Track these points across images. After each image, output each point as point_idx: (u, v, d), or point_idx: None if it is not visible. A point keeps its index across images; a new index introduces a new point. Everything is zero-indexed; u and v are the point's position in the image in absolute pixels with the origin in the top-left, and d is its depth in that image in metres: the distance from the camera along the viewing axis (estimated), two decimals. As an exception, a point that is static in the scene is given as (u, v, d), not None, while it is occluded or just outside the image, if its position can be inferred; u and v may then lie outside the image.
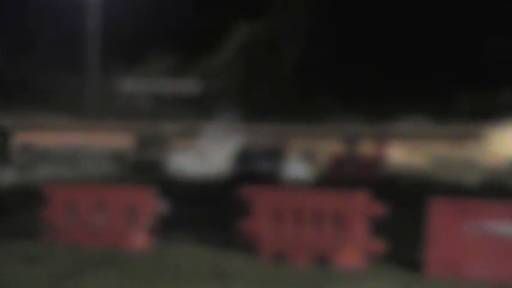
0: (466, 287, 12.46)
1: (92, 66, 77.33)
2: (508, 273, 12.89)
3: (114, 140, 46.53)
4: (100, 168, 37.02)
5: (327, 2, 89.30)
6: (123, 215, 16.48)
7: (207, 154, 37.11)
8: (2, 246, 16.53)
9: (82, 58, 77.92)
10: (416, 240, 14.11)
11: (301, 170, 36.14)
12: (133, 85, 57.20)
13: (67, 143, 44.88)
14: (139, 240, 16.14)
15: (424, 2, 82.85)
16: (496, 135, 46.84)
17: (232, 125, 41.68)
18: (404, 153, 48.92)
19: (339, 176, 35.99)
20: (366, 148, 41.23)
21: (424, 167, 39.46)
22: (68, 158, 38.24)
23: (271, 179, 32.14)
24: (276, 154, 34.59)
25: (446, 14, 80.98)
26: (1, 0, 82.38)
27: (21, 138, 44.91)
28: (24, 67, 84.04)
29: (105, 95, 67.70)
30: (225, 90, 67.17)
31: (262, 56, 51.43)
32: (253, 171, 31.80)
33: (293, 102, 71.24)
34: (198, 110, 48.00)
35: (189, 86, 71.85)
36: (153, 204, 16.45)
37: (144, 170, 37.74)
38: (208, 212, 22.26)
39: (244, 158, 34.10)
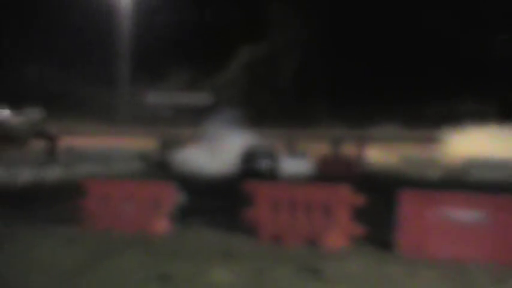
0: (429, 263, 12.42)
1: (123, 81, 77.44)
2: (464, 251, 12.90)
3: (140, 143, 46.58)
4: (129, 166, 37.11)
5: (317, 26, 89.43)
6: (148, 205, 16.49)
7: (217, 154, 37.06)
8: (49, 230, 16.54)
9: (114, 75, 77.98)
10: (389, 225, 14.10)
11: (299, 165, 36.18)
12: (156, 97, 57.34)
13: (102, 145, 44.96)
14: (162, 225, 16.15)
15: (397, 29, 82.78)
16: (454, 139, 46.81)
17: (237, 129, 41.52)
18: (379, 154, 48.95)
19: (326, 173, 35.98)
20: (348, 149, 41.20)
21: (395, 165, 39.52)
22: (103, 158, 38.24)
23: (270, 175, 32.18)
24: (273, 154, 34.55)
25: (414, 39, 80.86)
26: (50, 25, 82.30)
27: (65, 142, 44.94)
28: (68, 82, 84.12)
29: (133, 105, 67.76)
30: (231, 100, 67.09)
31: (263, 72, 51.62)
32: (255, 169, 31.89)
33: (288, 110, 71.84)
34: (209, 117, 47.89)
35: (201, 97, 72.16)
36: (173, 196, 16.48)
37: (164, 167, 37.78)
38: (218, 203, 22.28)
39: (248, 157, 34.17)
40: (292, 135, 52.61)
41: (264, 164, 32.53)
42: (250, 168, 32.60)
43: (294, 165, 36.78)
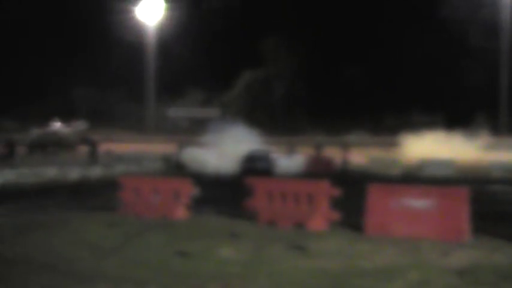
0: (390, 241, 12.44)
1: (150, 99, 77.53)
2: (417, 231, 12.94)
3: (163, 147, 46.43)
4: (154, 166, 37.09)
5: (302, 57, 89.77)
6: (170, 196, 16.50)
7: (223, 155, 36.94)
8: (93, 216, 16.57)
9: (143, 94, 78.12)
10: (359, 211, 14.13)
11: (293, 163, 36.21)
12: (176, 111, 57.23)
13: (133, 149, 44.96)
14: (181, 212, 16.15)
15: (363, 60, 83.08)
16: (410, 143, 46.81)
17: (240, 136, 41.39)
18: (352, 155, 48.86)
19: (311, 170, 35.99)
20: (328, 152, 41.15)
21: (364, 164, 39.42)
22: (134, 159, 38.22)
23: (265, 174, 32.05)
24: (269, 157, 34.63)
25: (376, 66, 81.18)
26: (93, 55, 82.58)
27: (104, 147, 45.01)
28: (106, 100, 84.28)
29: (158, 118, 67.80)
30: (235, 113, 67.18)
31: (260, 91, 51.67)
32: (253, 168, 32.05)
33: (279, 121, 72.42)
34: (218, 126, 47.65)
35: (212, 111, 72.28)
36: (189, 189, 16.49)
37: (181, 167, 37.75)
38: (224, 195, 22.29)
39: (248, 159, 34.24)
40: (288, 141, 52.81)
41: (260, 165, 32.60)
42: (249, 168, 32.65)
43: (288, 163, 37.00)
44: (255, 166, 32.64)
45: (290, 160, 39.00)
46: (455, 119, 61.47)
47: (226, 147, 37.54)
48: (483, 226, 13.95)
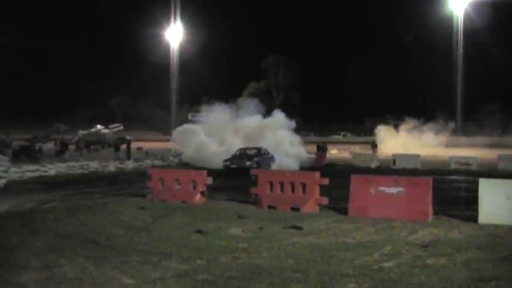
0: (369, 221, 12.44)
1: (173, 106, 77.75)
2: (391, 213, 12.91)
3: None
4: (176, 160, 36.95)
5: (297, 72, 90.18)
6: (189, 185, 16.50)
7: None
8: (127, 201, 16.59)
9: (168, 101, 78.32)
10: (344, 197, 14.11)
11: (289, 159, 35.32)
12: (194, 116, 56.91)
13: (160, 147, 44.88)
14: (198, 198, 16.15)
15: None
16: (385, 142, 46.74)
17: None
18: (339, 152, 48.91)
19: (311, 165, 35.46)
20: (319, 149, 40.92)
21: (348, 159, 39.33)
22: (160, 155, 38.13)
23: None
24: (259, 154, 31.98)
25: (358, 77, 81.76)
26: (126, 69, 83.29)
27: (136, 145, 45.05)
28: (138, 106, 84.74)
29: (179, 121, 67.71)
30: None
31: (262, 100, 51.86)
32: (243, 165, 29.16)
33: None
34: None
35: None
36: (204, 179, 16.50)
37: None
38: (232, 184, 22.25)
39: (238, 156, 31.65)
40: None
41: (249, 162, 30.16)
42: (238, 164, 29.96)
43: (287, 160, 35.28)
44: (244, 163, 29.78)
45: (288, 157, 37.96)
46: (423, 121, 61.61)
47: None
48: (443, 209, 14.00)
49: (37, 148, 33.24)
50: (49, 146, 39.49)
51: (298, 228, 11.69)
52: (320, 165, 33.70)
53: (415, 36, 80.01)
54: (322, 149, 40.86)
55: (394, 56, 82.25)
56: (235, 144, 35.20)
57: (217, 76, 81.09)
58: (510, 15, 69.79)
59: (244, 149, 33.04)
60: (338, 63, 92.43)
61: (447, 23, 70.73)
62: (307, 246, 9.97)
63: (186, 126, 43.24)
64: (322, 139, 54.10)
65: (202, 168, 22.65)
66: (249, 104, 42.37)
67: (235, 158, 31.50)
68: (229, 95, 41.44)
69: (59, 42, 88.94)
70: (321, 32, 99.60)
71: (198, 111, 45.26)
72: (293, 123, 40.28)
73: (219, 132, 38.55)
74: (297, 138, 39.36)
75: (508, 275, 8.10)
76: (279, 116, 40.51)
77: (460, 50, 69.22)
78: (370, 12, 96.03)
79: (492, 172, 29.16)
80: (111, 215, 13.59)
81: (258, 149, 32.99)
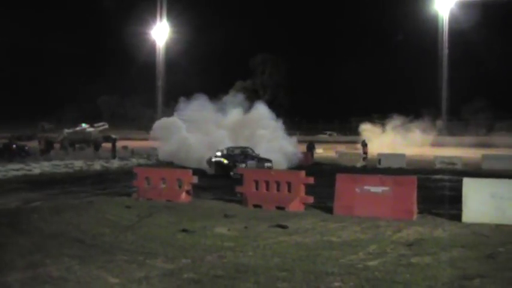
0: (354, 220, 12.49)
1: (159, 104, 77.60)
2: (376, 212, 12.97)
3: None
4: (161, 159, 36.79)
5: (283, 71, 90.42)
6: (175, 184, 16.50)
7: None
8: (113, 200, 16.55)
9: (155, 99, 78.19)
10: (330, 196, 14.15)
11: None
12: (179, 115, 56.61)
13: (145, 146, 44.67)
14: (184, 197, 16.14)
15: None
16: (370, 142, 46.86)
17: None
18: (325, 151, 49.05)
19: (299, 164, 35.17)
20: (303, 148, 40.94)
21: (334, 158, 39.45)
22: (146, 154, 38.06)
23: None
24: (243, 154, 30.55)
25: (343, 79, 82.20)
26: (112, 68, 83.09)
27: (121, 143, 44.91)
28: (125, 106, 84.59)
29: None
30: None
31: (249, 98, 51.51)
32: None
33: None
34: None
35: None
36: (190, 178, 16.50)
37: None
38: (218, 182, 22.23)
39: (224, 155, 30.31)
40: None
41: (267, 163, 28.59)
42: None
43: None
44: (262, 164, 27.39)
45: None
46: (408, 120, 61.94)
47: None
48: (428, 208, 14.08)
49: (14, 147, 33.10)
50: (34, 145, 39.31)
51: (284, 227, 11.70)
52: (308, 165, 33.78)
53: (404, 36, 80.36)
54: (311, 148, 40.98)
55: (381, 56, 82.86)
56: (220, 141, 32.57)
57: (204, 75, 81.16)
58: (496, 14, 70.37)
59: (234, 149, 30.59)
60: (326, 62, 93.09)
61: (433, 23, 71.17)
62: (292, 245, 10.00)
63: (166, 119, 41.18)
64: (308, 138, 54.21)
65: (184, 167, 22.64)
66: (233, 100, 39.92)
67: (232, 157, 28.70)
68: (216, 93, 41.31)
69: (47, 41, 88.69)
70: (310, 31, 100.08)
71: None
72: (279, 121, 38.24)
73: (201, 128, 35.75)
74: (281, 133, 37.02)
75: (491, 272, 8.17)
76: (261, 108, 38.33)
77: (445, 51, 69.67)
78: (358, 12, 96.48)
79: (477, 171, 29.40)
80: (96, 214, 13.54)
81: (245, 150, 30.70)
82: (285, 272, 8.10)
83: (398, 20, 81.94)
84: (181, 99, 38.37)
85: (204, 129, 35.37)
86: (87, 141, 46.48)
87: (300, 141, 41.47)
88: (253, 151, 30.72)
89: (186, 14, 78.51)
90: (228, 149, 30.08)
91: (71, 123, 55.49)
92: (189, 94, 37.93)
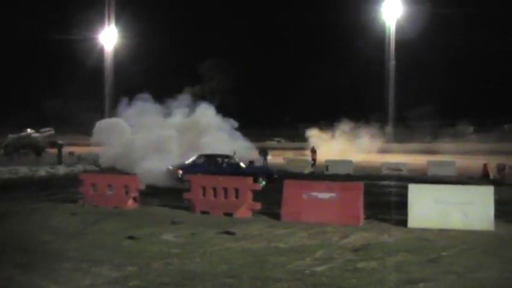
0: (302, 226, 12.56)
1: (106, 109, 76.71)
2: (323, 218, 13.07)
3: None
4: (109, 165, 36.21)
5: (232, 77, 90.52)
6: (122, 190, 16.33)
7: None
8: (58, 206, 16.28)
9: (102, 104, 77.33)
10: (278, 202, 14.21)
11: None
12: (123, 116, 54.78)
13: (91, 151, 43.89)
14: (130, 203, 16.00)
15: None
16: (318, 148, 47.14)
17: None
18: (273, 157, 49.21)
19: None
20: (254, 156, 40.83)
21: (282, 164, 39.59)
22: (93, 159, 37.48)
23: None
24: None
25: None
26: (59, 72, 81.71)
27: (68, 149, 44.23)
28: (71, 110, 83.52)
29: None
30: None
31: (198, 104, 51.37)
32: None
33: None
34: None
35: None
36: (137, 184, 16.39)
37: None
38: (166, 189, 22.02)
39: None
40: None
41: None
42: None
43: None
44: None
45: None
46: (356, 126, 62.73)
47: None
48: (374, 213, 14.27)
49: None
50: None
51: (231, 233, 11.70)
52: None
53: (360, 44, 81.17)
54: (264, 155, 41.06)
55: (331, 64, 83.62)
56: (166, 143, 29.26)
57: (154, 80, 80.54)
58: (442, 23, 72.10)
59: (214, 156, 25.89)
60: (275, 69, 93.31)
61: (381, 32, 72.35)
62: (240, 252, 10.00)
63: (108, 120, 38.01)
64: (257, 145, 54.30)
65: (128, 173, 22.34)
66: (179, 104, 36.25)
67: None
68: (165, 99, 40.82)
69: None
70: (259, 39, 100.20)
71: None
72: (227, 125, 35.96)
73: (146, 129, 31.37)
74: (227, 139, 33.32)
75: (435, 276, 8.36)
76: (206, 109, 35.38)
77: (392, 62, 70.87)
78: (308, 21, 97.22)
79: (422, 178, 30.00)
80: (41, 222, 13.29)
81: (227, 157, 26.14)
82: (232, 278, 8.10)
83: (348, 28, 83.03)
84: (124, 100, 35.46)
85: (149, 130, 31.27)
86: (33, 147, 45.64)
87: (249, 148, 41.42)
88: (232, 159, 25.97)
89: (136, 19, 77.99)
90: (198, 157, 25.75)
91: (16, 129, 54.41)
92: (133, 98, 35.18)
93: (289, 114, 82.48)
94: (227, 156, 25.91)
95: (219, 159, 25.54)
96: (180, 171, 23.33)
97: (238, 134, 36.05)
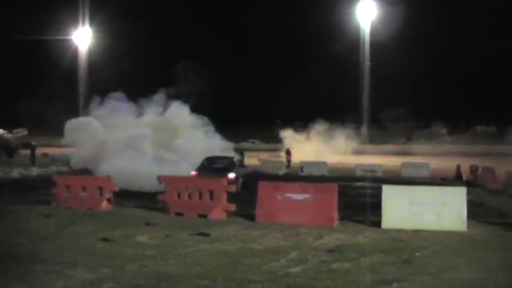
0: (276, 227, 12.60)
1: (80, 109, 76.12)
2: (298, 220, 13.13)
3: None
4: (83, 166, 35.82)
5: (208, 78, 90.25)
6: (96, 191, 16.24)
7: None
8: (31, 208, 16.13)
9: (76, 107, 76.74)
10: (252, 204, 14.23)
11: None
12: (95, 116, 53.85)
13: (65, 153, 43.38)
14: (105, 205, 15.91)
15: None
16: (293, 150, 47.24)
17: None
18: (248, 159, 49.13)
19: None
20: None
21: (258, 166, 39.60)
22: (67, 161, 37.13)
23: None
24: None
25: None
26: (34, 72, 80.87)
27: (41, 150, 43.81)
28: (46, 112, 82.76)
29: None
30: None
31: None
32: None
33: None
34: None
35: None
36: (111, 186, 16.30)
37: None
38: (140, 190, 21.84)
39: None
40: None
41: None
42: None
43: None
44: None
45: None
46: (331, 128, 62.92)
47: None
48: (348, 214, 14.37)
49: None
50: None
51: (206, 235, 11.70)
52: None
53: (335, 45, 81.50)
54: (240, 155, 41.03)
55: (306, 65, 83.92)
56: (140, 142, 28.30)
57: (128, 81, 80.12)
58: (417, 24, 72.77)
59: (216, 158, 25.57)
60: (251, 71, 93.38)
61: (355, 34, 72.79)
62: (214, 253, 10.00)
63: (79, 119, 36.34)
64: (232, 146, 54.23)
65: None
66: (154, 103, 35.61)
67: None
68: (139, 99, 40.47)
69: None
70: (235, 40, 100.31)
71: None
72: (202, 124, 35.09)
73: (119, 128, 30.08)
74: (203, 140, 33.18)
75: (408, 277, 8.43)
76: (179, 108, 34.82)
77: (367, 63, 71.35)
78: (282, 22, 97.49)
79: (396, 179, 30.25)
80: (13, 224, 13.16)
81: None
82: (207, 280, 8.10)
83: (323, 30, 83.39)
84: (96, 99, 34.50)
85: (122, 130, 29.93)
86: (5, 148, 45.11)
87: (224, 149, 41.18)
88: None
89: (110, 19, 77.50)
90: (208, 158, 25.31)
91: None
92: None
93: (266, 115, 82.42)
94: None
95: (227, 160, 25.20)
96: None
97: (215, 132, 35.91)
